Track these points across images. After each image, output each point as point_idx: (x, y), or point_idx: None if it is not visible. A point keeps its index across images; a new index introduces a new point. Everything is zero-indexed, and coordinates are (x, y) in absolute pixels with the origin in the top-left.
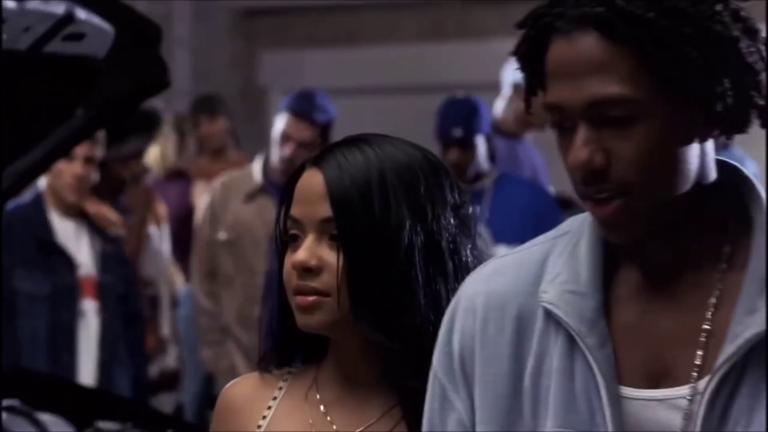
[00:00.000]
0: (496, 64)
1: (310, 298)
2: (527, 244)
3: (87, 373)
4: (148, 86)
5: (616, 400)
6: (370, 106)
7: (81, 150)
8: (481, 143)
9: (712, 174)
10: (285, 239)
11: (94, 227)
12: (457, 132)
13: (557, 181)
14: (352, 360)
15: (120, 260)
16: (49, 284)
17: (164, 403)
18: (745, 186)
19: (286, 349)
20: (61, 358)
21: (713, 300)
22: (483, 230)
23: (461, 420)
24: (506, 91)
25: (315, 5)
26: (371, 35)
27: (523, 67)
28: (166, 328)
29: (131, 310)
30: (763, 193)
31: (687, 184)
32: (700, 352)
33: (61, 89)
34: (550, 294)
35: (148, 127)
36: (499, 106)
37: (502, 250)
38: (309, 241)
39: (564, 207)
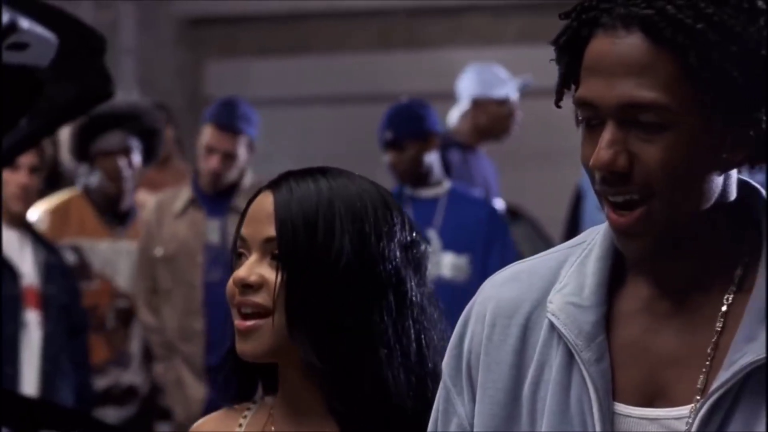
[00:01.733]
0: (443, 74)
1: (249, 323)
2: (545, 252)
3: (30, 384)
4: (92, 95)
5: (608, 416)
6: (317, 116)
7: (26, 159)
8: (418, 148)
9: (732, 195)
10: (234, 258)
11: (38, 238)
12: (388, 135)
13: (506, 192)
14: (297, 392)
15: (63, 271)
16: None
17: (109, 417)
18: (763, 210)
19: (244, 381)
20: (4, 370)
21: (719, 324)
22: (433, 236)
23: (461, 424)
24: (463, 102)
25: (262, 15)
26: (319, 45)
27: (560, 59)
28: (135, 343)
29: (75, 321)
30: None
31: (707, 203)
32: (702, 376)
33: (4, 99)
34: (555, 304)
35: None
36: (454, 117)
37: (448, 257)
38: (252, 259)
39: (512, 217)
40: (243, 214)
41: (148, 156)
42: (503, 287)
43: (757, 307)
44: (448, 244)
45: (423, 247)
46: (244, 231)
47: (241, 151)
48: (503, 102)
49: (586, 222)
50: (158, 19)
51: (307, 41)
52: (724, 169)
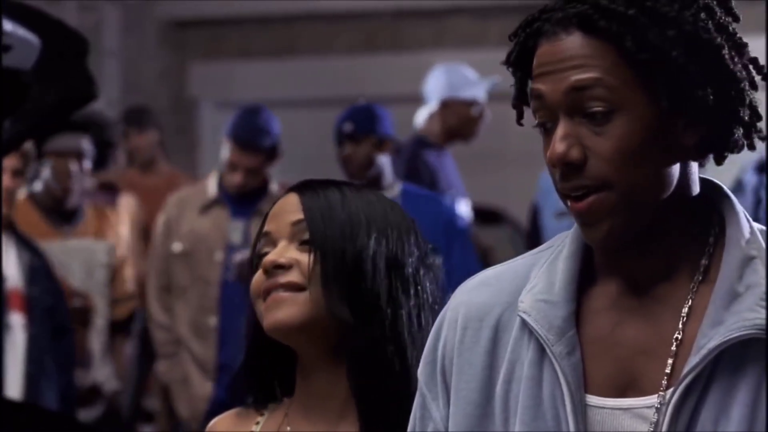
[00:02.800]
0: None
1: (283, 294)
2: (514, 258)
3: (14, 386)
4: (76, 98)
5: (581, 408)
6: (301, 118)
7: (8, 162)
8: (374, 146)
9: (695, 189)
10: (256, 262)
11: (22, 240)
12: (348, 126)
13: (489, 195)
14: (315, 389)
15: (47, 273)
16: None
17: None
18: (726, 203)
19: (262, 383)
20: None
21: (685, 312)
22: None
23: (437, 429)
24: (431, 104)
25: (246, 17)
26: (303, 47)
27: (514, 75)
28: (96, 342)
29: (59, 323)
30: (740, 211)
31: (664, 191)
32: (669, 363)
33: None
34: (525, 303)
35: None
36: (421, 118)
37: None
38: (280, 246)
39: (494, 221)
40: (264, 217)
41: (99, 164)
42: (473, 292)
43: (722, 293)
44: None
45: (435, 259)
46: (267, 227)
47: (265, 165)
48: (471, 103)
49: (546, 231)
50: (142, 22)
51: (292, 44)
52: (682, 156)
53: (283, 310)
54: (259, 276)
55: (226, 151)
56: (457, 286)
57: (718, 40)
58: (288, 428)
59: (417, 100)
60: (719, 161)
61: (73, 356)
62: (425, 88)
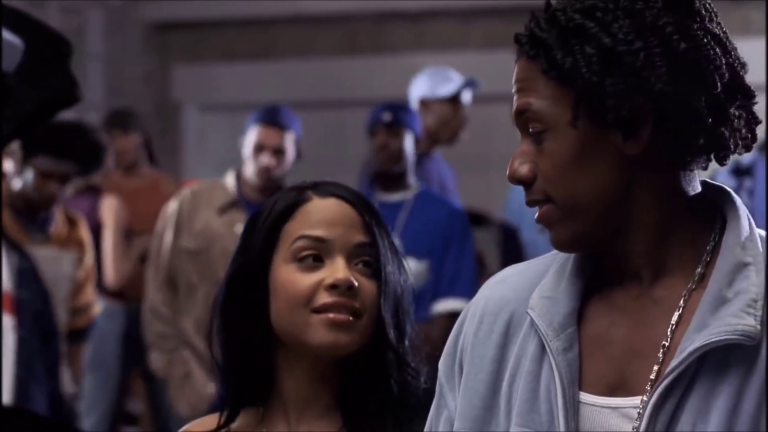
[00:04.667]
0: (410, 79)
1: (349, 317)
2: (539, 257)
3: (4, 390)
4: (59, 101)
5: (572, 404)
6: None
7: None
8: (408, 141)
9: (689, 194)
10: (299, 257)
11: (11, 242)
12: (387, 116)
13: (474, 198)
14: (301, 393)
15: (36, 276)
16: None
17: None
18: (729, 208)
19: (237, 384)
20: None
21: (675, 317)
22: (396, 241)
23: (450, 419)
24: (413, 105)
25: (229, 20)
26: (285, 50)
27: None
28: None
29: (46, 326)
30: (741, 216)
31: (613, 201)
32: (656, 367)
33: None
34: (534, 300)
35: (89, 160)
36: None
37: (410, 263)
38: (341, 263)
39: (477, 222)
40: (288, 214)
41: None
42: (494, 287)
43: (711, 299)
44: (410, 249)
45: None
46: (325, 233)
47: (290, 147)
48: (448, 101)
49: (529, 248)
50: (125, 25)
51: (274, 46)
52: (631, 165)
53: (347, 336)
54: (311, 283)
55: (251, 138)
56: (445, 292)
57: (644, 51)
58: (264, 430)
59: (398, 102)
60: (720, 162)
61: (59, 361)
62: (410, 93)
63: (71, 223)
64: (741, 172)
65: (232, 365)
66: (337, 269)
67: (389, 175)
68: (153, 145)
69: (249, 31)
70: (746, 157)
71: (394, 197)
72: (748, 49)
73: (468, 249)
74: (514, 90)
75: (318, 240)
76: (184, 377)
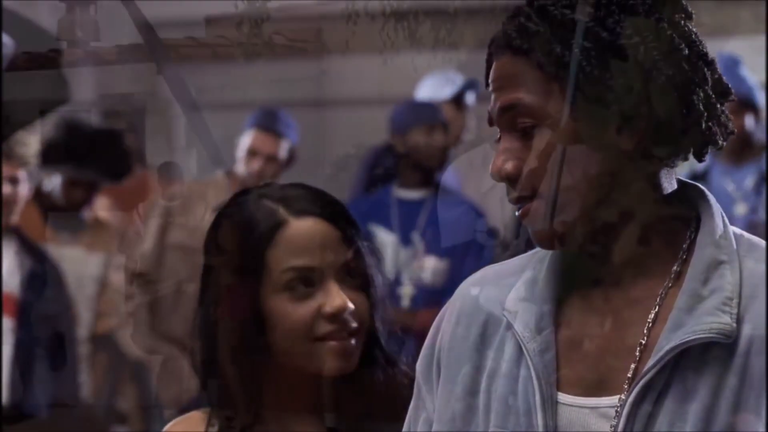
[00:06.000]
0: (395, 79)
1: (352, 342)
2: (517, 257)
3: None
4: (49, 100)
5: (551, 405)
6: None
7: (5, 170)
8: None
9: (666, 192)
10: (290, 286)
11: (27, 245)
12: (431, 113)
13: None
14: (289, 396)
15: (53, 281)
16: None
17: None
18: (703, 207)
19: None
20: None
21: (651, 316)
22: (416, 239)
23: (429, 420)
24: None
25: (219, 18)
26: (277, 50)
27: (489, 91)
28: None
29: (59, 331)
30: (715, 214)
31: (601, 195)
32: (633, 366)
33: None
34: (509, 301)
35: (117, 168)
36: None
37: (431, 261)
38: (335, 287)
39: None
40: (268, 243)
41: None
42: (472, 287)
43: (686, 297)
44: (431, 248)
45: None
46: (312, 262)
47: (283, 155)
48: (450, 103)
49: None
50: (116, 23)
51: (266, 46)
52: (622, 160)
53: (351, 359)
54: (308, 312)
55: (245, 142)
56: None
57: (644, 45)
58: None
59: (389, 102)
60: (699, 159)
61: (73, 366)
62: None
63: (100, 225)
64: (696, 179)
65: (215, 376)
66: (332, 296)
67: (424, 171)
68: (143, 144)
69: (240, 30)
70: (701, 164)
71: (415, 194)
72: (737, 48)
73: (488, 249)
74: (493, 87)
75: (307, 269)
76: (166, 362)
